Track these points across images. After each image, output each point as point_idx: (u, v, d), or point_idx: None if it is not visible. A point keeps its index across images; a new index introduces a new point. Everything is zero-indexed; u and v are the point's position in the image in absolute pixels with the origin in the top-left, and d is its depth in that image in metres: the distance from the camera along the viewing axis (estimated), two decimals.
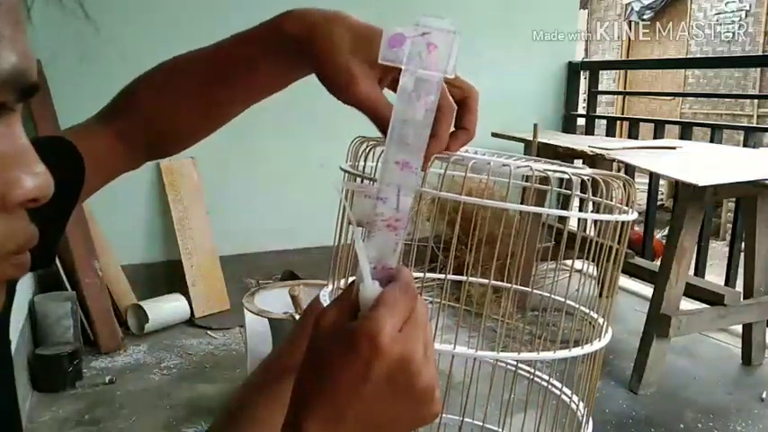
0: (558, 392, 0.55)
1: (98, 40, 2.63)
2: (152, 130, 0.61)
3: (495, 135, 3.16)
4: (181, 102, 0.60)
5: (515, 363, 0.56)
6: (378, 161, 0.51)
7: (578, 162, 2.78)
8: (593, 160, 2.57)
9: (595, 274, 0.52)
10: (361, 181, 0.52)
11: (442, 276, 0.57)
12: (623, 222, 0.47)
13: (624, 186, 0.48)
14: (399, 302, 0.38)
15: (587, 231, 0.62)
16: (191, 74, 0.59)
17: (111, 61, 2.71)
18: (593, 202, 0.48)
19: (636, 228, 3.33)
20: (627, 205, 0.47)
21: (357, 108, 0.49)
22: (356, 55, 0.50)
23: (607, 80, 9.79)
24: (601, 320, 0.50)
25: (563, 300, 0.55)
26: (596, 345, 0.48)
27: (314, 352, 0.39)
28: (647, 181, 3.28)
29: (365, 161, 0.52)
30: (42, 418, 2.01)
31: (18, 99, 0.31)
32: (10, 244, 0.32)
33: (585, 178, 0.46)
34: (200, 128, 0.63)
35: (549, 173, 0.43)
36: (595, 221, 0.50)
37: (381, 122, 0.48)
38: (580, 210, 0.48)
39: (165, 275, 2.86)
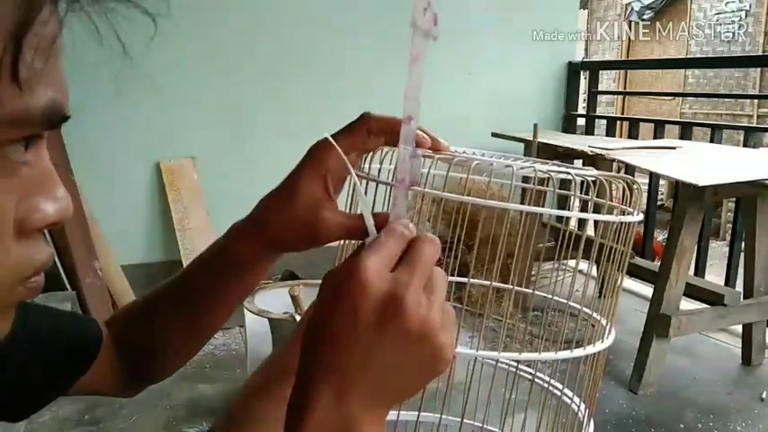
0: (558, 393, 0.55)
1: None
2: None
3: (495, 135, 3.16)
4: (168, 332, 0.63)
5: (516, 363, 0.56)
6: (382, 162, 0.51)
7: (578, 162, 2.78)
8: (593, 160, 2.57)
9: (597, 275, 0.52)
10: (367, 183, 0.52)
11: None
12: (627, 224, 0.47)
13: (628, 188, 0.48)
14: (386, 243, 0.38)
15: (589, 232, 0.62)
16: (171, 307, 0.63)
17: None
18: (597, 203, 0.48)
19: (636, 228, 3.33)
20: (631, 206, 0.47)
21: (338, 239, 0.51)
22: (302, 215, 0.50)
23: (607, 80, 9.79)
24: (603, 321, 0.50)
25: (565, 300, 0.54)
26: (599, 346, 0.48)
27: (315, 309, 0.39)
28: (647, 181, 3.28)
29: (371, 163, 0.52)
30: (42, 418, 2.01)
31: (49, 129, 0.32)
32: (28, 269, 0.32)
33: (589, 179, 0.46)
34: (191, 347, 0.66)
35: (552, 174, 0.43)
36: (598, 222, 0.50)
37: (361, 233, 0.48)
38: (583, 210, 0.48)
39: (165, 276, 2.85)
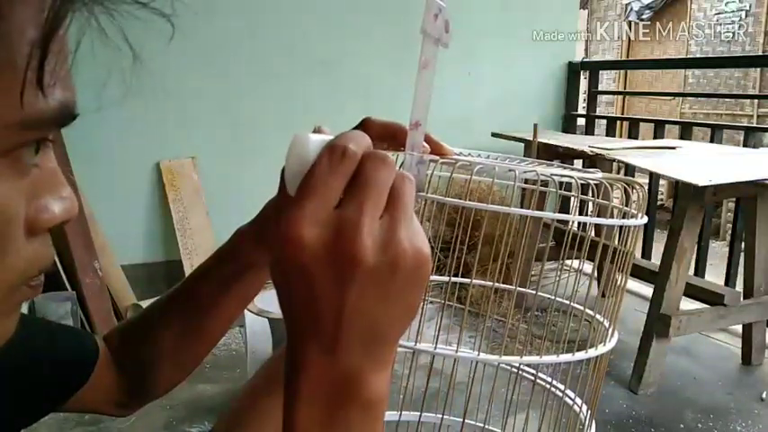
0: (560, 394, 0.55)
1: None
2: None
3: (495, 135, 3.16)
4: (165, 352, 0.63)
5: (517, 366, 0.56)
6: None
7: (578, 162, 2.78)
8: (593, 160, 2.57)
9: (599, 276, 0.51)
10: None
11: (445, 278, 0.57)
12: (632, 227, 0.47)
13: (633, 191, 0.47)
14: (319, 178, 0.34)
15: (590, 233, 0.62)
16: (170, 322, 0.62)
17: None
18: (599, 205, 0.48)
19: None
20: (635, 209, 0.47)
21: None
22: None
23: (607, 80, 9.79)
24: (606, 323, 0.50)
25: (567, 302, 0.54)
26: (601, 349, 0.48)
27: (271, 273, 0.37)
28: (648, 181, 3.28)
29: None
30: (42, 418, 2.00)
31: (61, 128, 0.32)
32: (33, 269, 0.33)
33: (593, 183, 0.46)
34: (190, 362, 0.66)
35: (555, 177, 0.43)
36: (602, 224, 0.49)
37: None
38: (584, 211, 0.48)
39: (165, 275, 2.86)
